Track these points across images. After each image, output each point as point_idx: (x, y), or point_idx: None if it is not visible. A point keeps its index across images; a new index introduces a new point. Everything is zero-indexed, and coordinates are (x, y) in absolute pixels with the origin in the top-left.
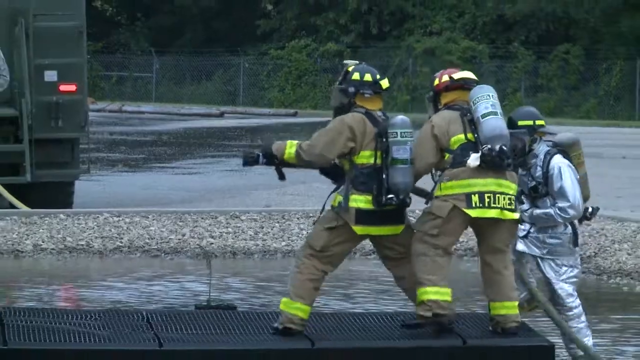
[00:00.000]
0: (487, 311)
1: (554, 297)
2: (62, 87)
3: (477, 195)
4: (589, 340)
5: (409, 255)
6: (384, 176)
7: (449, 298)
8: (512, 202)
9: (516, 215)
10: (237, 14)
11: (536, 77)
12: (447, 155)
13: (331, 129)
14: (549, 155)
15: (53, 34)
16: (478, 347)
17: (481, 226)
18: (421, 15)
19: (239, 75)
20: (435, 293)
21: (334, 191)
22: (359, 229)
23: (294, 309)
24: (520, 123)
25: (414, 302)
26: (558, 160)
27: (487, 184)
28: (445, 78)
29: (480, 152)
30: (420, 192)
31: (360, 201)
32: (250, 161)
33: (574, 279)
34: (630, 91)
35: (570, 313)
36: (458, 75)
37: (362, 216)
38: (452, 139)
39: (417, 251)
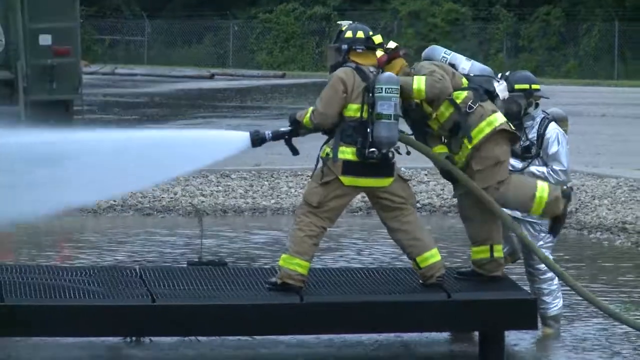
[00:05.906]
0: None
1: (529, 260)
2: (57, 51)
3: None
4: (559, 302)
5: (405, 205)
6: (368, 130)
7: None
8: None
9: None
10: None
11: (518, 39)
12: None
13: (327, 88)
14: (546, 120)
15: None
16: (462, 300)
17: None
18: None
19: (229, 38)
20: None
21: (324, 143)
22: (346, 180)
23: (293, 264)
24: (517, 87)
25: (406, 255)
26: (556, 127)
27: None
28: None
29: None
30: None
31: (347, 153)
32: (257, 141)
33: (550, 244)
34: (608, 52)
35: (544, 277)
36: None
37: (349, 167)
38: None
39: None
